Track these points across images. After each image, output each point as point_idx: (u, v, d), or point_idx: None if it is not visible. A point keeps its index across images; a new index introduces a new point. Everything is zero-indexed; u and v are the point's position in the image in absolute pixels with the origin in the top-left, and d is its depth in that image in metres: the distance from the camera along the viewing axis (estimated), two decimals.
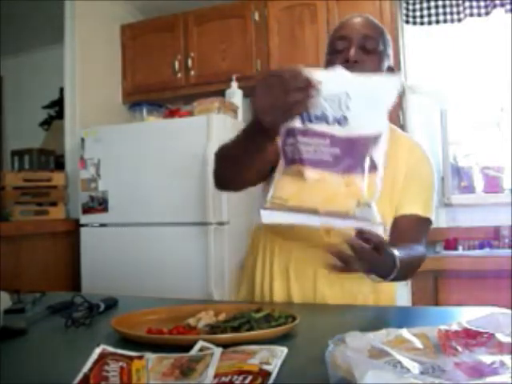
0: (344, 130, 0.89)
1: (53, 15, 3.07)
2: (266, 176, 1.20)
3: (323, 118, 0.89)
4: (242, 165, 1.10)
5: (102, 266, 2.61)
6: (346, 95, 0.88)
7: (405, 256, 1.02)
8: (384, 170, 0.95)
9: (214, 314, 0.96)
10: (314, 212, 0.87)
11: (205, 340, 0.74)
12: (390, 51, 1.26)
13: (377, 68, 1.18)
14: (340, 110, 0.89)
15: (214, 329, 0.87)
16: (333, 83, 0.89)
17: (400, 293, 2.26)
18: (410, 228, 1.21)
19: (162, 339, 0.82)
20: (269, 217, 0.90)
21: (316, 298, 1.22)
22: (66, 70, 2.98)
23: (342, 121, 0.89)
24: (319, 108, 0.88)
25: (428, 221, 1.25)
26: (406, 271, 1.06)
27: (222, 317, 0.94)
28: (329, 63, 1.18)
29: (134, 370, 0.63)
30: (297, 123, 0.90)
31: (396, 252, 0.98)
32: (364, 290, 1.21)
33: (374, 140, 0.90)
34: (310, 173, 0.89)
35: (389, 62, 1.24)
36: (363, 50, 1.17)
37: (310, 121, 0.90)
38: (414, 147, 1.30)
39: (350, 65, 1.12)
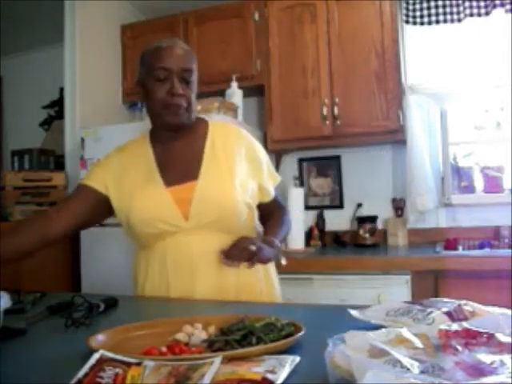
0: None
1: (53, 15, 3.07)
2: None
3: None
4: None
5: (102, 266, 2.61)
6: None
7: (281, 235, 1.42)
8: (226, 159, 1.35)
9: (202, 327, 0.87)
10: None
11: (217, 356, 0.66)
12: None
13: (194, 93, 1.37)
14: None
15: (215, 343, 0.78)
16: None
17: (400, 293, 2.27)
18: (274, 204, 1.50)
19: (171, 360, 0.71)
20: None
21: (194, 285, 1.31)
22: (65, 70, 2.98)
23: None
24: None
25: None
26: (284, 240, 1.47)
27: (211, 329, 0.86)
28: (155, 92, 1.34)
29: (129, 377, 0.62)
30: None
31: (274, 238, 1.35)
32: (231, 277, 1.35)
33: None
34: None
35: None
36: (183, 82, 1.33)
37: None
38: (230, 130, 1.47)
39: (176, 98, 1.32)
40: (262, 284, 1.42)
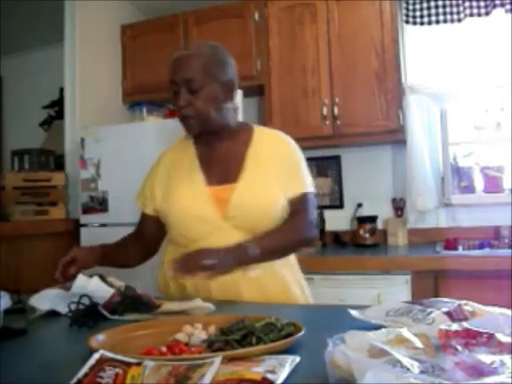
0: None
1: (53, 15, 3.07)
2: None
3: None
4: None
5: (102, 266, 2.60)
6: None
7: (270, 244, 1.31)
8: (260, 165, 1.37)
9: (202, 327, 0.87)
10: None
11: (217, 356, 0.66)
12: (222, 69, 1.42)
13: (208, 100, 1.35)
14: None
15: (215, 343, 0.78)
16: None
17: (400, 293, 2.27)
18: (299, 204, 1.43)
19: (171, 360, 0.70)
20: None
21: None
22: (65, 70, 2.98)
23: None
24: None
25: (309, 194, 1.48)
26: (273, 251, 1.33)
27: (211, 329, 0.85)
28: (175, 105, 1.40)
29: (129, 377, 0.62)
30: None
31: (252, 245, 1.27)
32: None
33: None
34: None
35: (224, 77, 1.41)
36: (190, 92, 1.35)
37: None
38: (277, 138, 1.52)
39: (183, 109, 1.35)
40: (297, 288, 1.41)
